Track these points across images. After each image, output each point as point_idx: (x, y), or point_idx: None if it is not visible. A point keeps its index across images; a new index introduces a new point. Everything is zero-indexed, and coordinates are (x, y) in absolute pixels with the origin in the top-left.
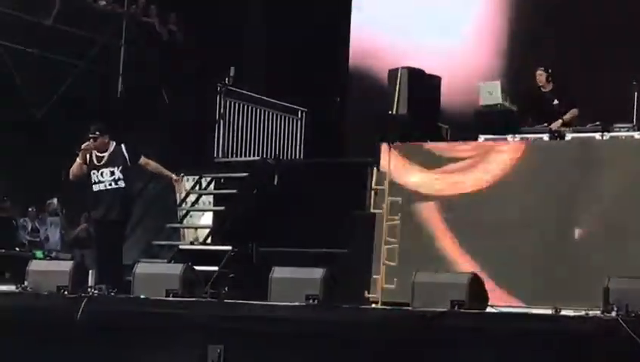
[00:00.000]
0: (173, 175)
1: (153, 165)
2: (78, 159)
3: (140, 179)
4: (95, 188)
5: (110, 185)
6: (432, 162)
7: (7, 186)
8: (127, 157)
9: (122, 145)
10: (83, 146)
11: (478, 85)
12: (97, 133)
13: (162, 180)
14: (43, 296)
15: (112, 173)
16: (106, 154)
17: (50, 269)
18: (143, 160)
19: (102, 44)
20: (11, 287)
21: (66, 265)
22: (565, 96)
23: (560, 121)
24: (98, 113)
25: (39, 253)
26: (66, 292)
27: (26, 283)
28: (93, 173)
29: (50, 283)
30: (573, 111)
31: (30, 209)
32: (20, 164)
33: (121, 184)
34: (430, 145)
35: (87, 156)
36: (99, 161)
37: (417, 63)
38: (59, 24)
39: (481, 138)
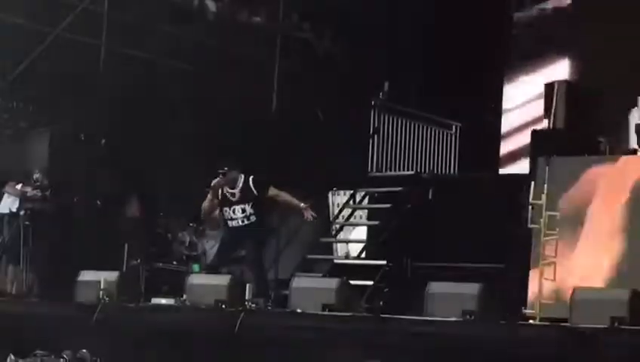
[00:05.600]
0: (302, 204)
1: (283, 196)
2: (209, 196)
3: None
4: (229, 224)
5: (243, 221)
6: (591, 176)
7: (170, 200)
8: (255, 192)
9: (250, 179)
10: (213, 183)
11: (638, 98)
12: (226, 168)
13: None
14: (202, 310)
15: (244, 211)
16: (236, 191)
17: (208, 283)
18: (272, 191)
19: (256, 60)
20: (170, 301)
21: (224, 279)
22: None
23: None
24: (253, 128)
25: (196, 267)
26: (224, 306)
27: (184, 296)
28: (226, 211)
29: (209, 296)
30: None
31: (190, 224)
32: (180, 179)
33: (253, 219)
34: (588, 159)
35: (219, 191)
36: (230, 198)
37: (574, 76)
38: (213, 40)
39: None
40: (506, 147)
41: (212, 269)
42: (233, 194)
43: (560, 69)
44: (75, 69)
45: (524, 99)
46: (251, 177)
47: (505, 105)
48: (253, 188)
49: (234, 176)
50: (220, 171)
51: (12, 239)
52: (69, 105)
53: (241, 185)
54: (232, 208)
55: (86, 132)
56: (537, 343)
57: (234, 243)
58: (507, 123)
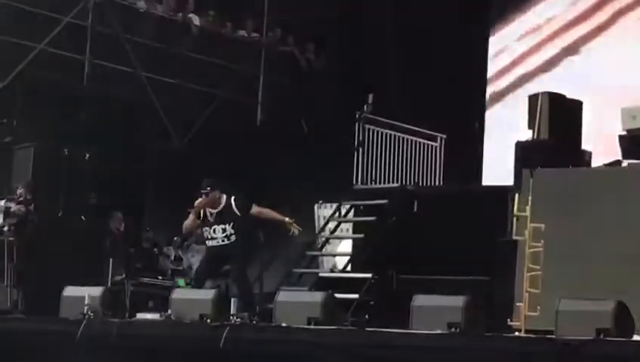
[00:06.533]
0: (286, 218)
1: (265, 212)
2: (191, 215)
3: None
4: (208, 243)
5: (223, 241)
6: (575, 187)
7: (155, 215)
8: (237, 212)
9: (232, 199)
10: (196, 203)
11: (620, 109)
12: (208, 188)
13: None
14: (186, 324)
15: (224, 230)
16: (216, 211)
17: (192, 297)
18: (254, 209)
19: (241, 74)
20: (155, 316)
21: (209, 294)
22: None
23: None
24: (237, 142)
25: (181, 282)
26: (208, 321)
27: (169, 311)
28: (206, 230)
29: (193, 311)
30: None
31: (175, 238)
32: (164, 194)
33: (233, 239)
34: (572, 171)
35: (200, 212)
36: (211, 218)
37: (557, 87)
38: (199, 54)
39: (625, 163)
40: (490, 157)
41: (196, 284)
42: (213, 215)
43: (543, 83)
44: (59, 84)
45: (508, 109)
46: (233, 198)
47: (489, 115)
48: (235, 209)
49: (216, 196)
50: (203, 191)
51: None
52: (52, 121)
53: (222, 206)
54: (212, 228)
55: (70, 147)
56: (523, 355)
57: (215, 261)
58: (491, 133)
